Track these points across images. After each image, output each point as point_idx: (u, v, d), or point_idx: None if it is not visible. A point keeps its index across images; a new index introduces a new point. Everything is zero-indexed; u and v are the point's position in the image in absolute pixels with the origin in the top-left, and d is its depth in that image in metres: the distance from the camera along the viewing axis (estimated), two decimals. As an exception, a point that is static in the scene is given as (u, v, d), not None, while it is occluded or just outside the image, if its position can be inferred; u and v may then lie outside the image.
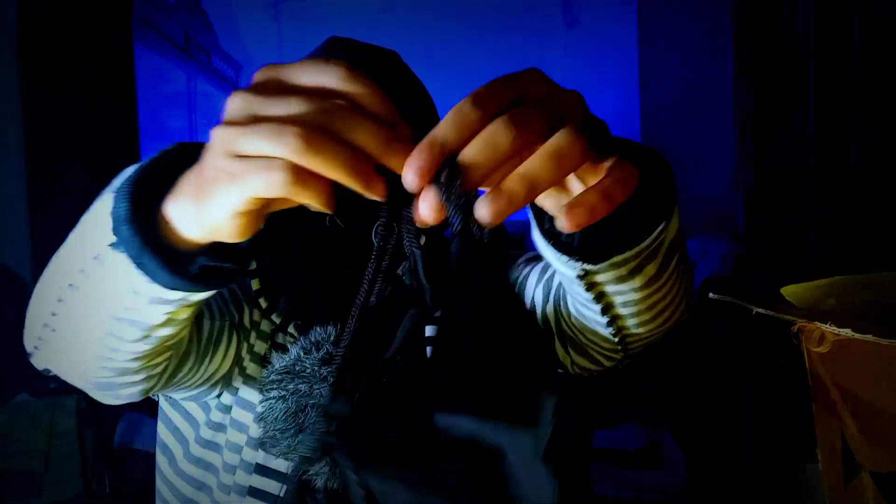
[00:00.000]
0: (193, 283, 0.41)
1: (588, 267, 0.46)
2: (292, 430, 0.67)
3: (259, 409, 0.69)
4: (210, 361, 0.69)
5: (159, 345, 0.50)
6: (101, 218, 0.41)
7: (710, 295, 0.53)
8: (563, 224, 0.34)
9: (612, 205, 0.35)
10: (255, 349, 0.73)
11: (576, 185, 0.39)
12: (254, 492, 0.71)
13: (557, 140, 0.33)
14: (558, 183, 0.35)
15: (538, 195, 0.33)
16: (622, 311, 0.54)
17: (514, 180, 0.32)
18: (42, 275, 0.49)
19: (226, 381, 0.73)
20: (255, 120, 0.33)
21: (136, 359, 0.50)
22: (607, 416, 2.63)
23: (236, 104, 0.34)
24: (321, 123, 0.32)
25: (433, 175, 0.32)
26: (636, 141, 0.49)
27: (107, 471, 1.67)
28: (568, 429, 0.72)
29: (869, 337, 0.33)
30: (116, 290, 0.43)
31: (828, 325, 0.36)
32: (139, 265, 0.40)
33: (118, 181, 0.44)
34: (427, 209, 0.33)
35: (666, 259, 0.49)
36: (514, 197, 0.32)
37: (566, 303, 0.63)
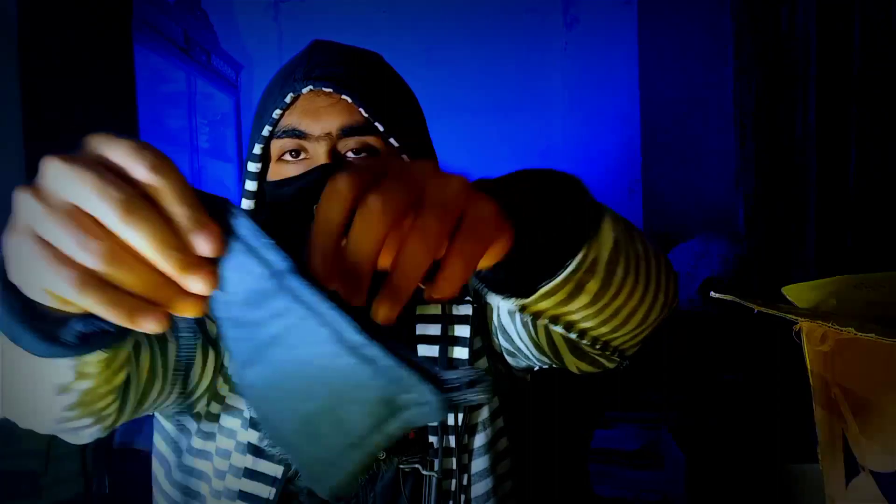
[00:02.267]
0: (75, 349, 0.39)
1: (520, 301, 0.46)
2: (292, 430, 0.66)
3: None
4: (185, 382, 0.69)
5: (85, 396, 0.49)
6: None
7: (711, 294, 0.53)
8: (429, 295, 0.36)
9: (466, 271, 0.36)
10: None
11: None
12: (244, 496, 0.71)
13: (416, 233, 0.34)
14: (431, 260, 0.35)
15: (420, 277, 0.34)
16: (586, 324, 0.53)
17: (395, 281, 0.34)
18: None
19: (211, 393, 0.73)
20: (62, 206, 0.31)
21: (69, 409, 0.49)
22: (606, 417, 2.63)
23: (50, 177, 0.32)
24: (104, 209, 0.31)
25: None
26: (533, 170, 0.48)
27: (107, 471, 1.67)
28: None
29: (871, 336, 0.33)
30: (11, 356, 0.42)
31: (830, 324, 0.36)
32: (14, 340, 0.38)
33: None
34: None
35: (608, 271, 0.48)
36: (401, 292, 0.34)
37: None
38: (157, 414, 0.78)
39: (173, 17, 2.69)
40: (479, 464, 0.75)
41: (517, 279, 0.45)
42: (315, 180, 0.69)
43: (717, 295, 0.51)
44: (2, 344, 0.42)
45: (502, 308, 0.74)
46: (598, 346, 0.57)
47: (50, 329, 0.38)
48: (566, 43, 3.45)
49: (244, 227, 0.36)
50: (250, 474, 0.71)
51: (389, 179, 0.35)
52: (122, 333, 0.40)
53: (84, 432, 0.56)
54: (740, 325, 1.75)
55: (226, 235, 0.35)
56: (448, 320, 0.77)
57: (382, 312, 0.34)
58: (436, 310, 0.78)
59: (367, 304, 0.35)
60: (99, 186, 0.31)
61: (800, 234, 2.07)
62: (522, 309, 0.48)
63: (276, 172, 0.74)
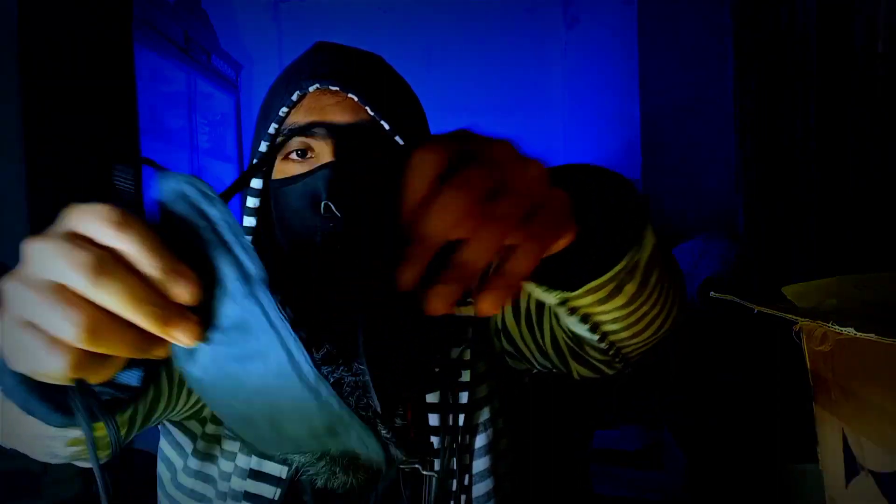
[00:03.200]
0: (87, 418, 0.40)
1: (565, 294, 0.47)
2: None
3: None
4: (189, 394, 0.69)
5: (97, 442, 0.51)
6: None
7: (711, 294, 0.53)
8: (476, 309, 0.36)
9: (533, 261, 0.36)
10: None
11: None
12: (249, 496, 0.71)
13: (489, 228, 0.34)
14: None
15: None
16: (611, 327, 0.54)
17: (454, 271, 0.34)
18: None
19: None
20: (44, 285, 0.32)
21: (79, 452, 0.50)
22: (608, 417, 2.63)
23: (28, 258, 0.33)
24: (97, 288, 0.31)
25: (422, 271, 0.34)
26: (597, 167, 0.49)
27: (107, 471, 1.66)
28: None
29: (871, 336, 0.33)
30: (23, 423, 0.43)
31: (830, 324, 0.36)
32: (27, 412, 0.39)
33: None
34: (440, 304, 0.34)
35: (645, 276, 0.50)
36: (456, 285, 0.34)
37: (559, 319, 0.63)
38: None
39: (173, 17, 2.70)
40: (480, 464, 0.75)
41: (567, 274, 0.46)
42: (320, 178, 0.70)
43: (717, 295, 0.51)
44: (4, 403, 0.43)
45: (507, 311, 0.74)
46: (610, 352, 0.58)
47: (62, 401, 0.38)
48: (566, 43, 3.45)
49: (224, 221, 0.36)
50: (255, 475, 0.71)
51: (472, 168, 0.35)
52: (134, 398, 0.41)
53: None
54: (740, 325, 1.75)
55: (204, 223, 0.35)
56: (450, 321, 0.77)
57: (441, 297, 0.34)
58: None
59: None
60: (67, 255, 0.31)
61: (800, 234, 2.07)
62: (563, 302, 0.48)
63: (281, 170, 0.74)
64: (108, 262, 0.32)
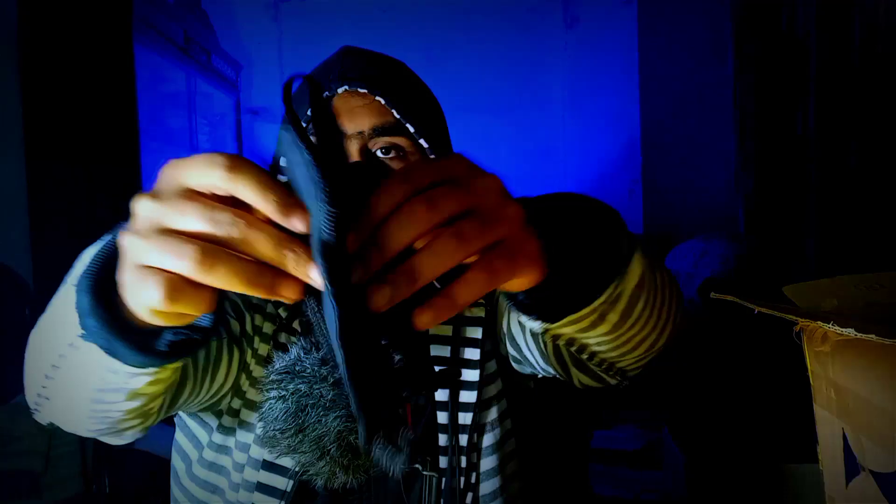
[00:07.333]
0: (166, 358, 0.42)
1: (545, 325, 0.47)
2: (292, 430, 0.67)
3: (259, 409, 0.69)
4: (212, 381, 0.70)
5: (149, 400, 0.52)
6: (68, 308, 0.42)
7: (711, 295, 0.53)
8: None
9: (485, 286, 0.36)
10: (259, 352, 0.74)
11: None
12: (262, 487, 0.72)
13: (449, 234, 0.35)
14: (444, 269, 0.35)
15: (423, 284, 0.35)
16: (599, 349, 0.55)
17: (400, 273, 0.34)
18: (29, 342, 0.52)
19: (235, 389, 0.74)
20: (157, 231, 0.34)
21: (129, 412, 0.52)
22: (606, 417, 2.63)
23: (141, 212, 0.35)
24: (216, 238, 0.33)
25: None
26: (583, 198, 0.49)
27: (107, 471, 1.67)
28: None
29: (871, 337, 0.33)
30: (96, 370, 0.45)
31: (830, 325, 0.36)
32: (110, 352, 0.41)
33: (79, 268, 0.44)
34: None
35: (630, 304, 0.50)
36: (399, 287, 0.34)
37: None
38: (179, 411, 0.79)
39: (173, 17, 2.70)
40: (487, 462, 0.75)
41: (545, 306, 0.47)
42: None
43: (717, 295, 0.51)
44: (67, 356, 0.45)
45: (513, 318, 0.74)
46: (603, 367, 0.59)
47: (144, 341, 0.41)
48: (566, 43, 3.45)
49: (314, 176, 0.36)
50: (269, 466, 0.72)
51: (447, 186, 0.36)
52: (207, 339, 0.43)
53: (128, 433, 0.58)
54: (740, 325, 1.75)
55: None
56: (460, 322, 0.77)
57: (381, 295, 0.34)
58: None
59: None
60: (208, 216, 0.33)
61: (799, 234, 2.07)
62: (545, 331, 0.49)
63: None
64: (248, 223, 0.33)
